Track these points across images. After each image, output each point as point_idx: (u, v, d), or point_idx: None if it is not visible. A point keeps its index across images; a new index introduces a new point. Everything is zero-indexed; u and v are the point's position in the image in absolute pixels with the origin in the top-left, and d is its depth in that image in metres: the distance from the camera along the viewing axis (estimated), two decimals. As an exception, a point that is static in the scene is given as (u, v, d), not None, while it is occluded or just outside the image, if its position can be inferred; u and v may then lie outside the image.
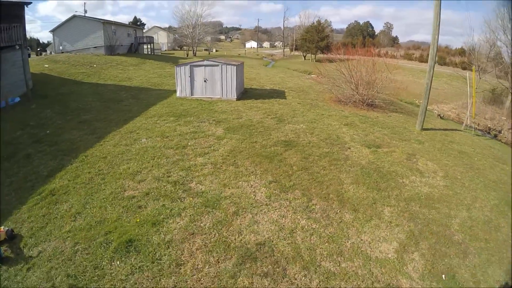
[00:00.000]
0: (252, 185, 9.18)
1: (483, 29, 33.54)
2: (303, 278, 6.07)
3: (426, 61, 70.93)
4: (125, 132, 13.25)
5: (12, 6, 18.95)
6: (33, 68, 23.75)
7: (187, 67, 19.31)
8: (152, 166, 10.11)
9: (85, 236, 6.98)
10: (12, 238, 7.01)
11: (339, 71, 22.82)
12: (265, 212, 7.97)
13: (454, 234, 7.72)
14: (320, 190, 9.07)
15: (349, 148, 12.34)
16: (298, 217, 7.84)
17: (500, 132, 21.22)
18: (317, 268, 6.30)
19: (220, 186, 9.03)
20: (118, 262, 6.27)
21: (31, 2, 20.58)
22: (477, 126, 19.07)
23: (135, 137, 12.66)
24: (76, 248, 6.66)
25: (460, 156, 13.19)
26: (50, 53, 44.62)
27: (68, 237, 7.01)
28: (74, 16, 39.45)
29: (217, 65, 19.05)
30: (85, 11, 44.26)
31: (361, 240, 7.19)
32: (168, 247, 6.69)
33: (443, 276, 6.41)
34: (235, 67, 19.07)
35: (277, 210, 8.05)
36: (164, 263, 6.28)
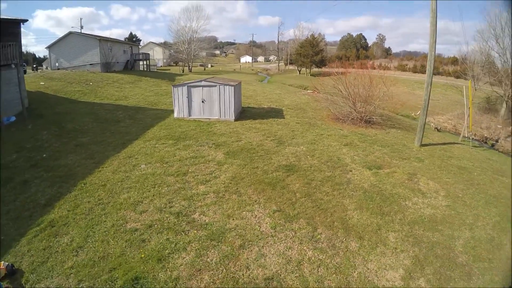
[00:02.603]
0: (256, 215, 9.07)
1: (476, 38, 33.90)
2: (313, 313, 5.91)
3: (420, 72, 72.13)
4: (124, 157, 13.09)
5: (8, 24, 18.80)
6: (28, 85, 23.56)
7: (185, 88, 19.25)
8: (153, 196, 9.97)
9: (89, 273, 6.79)
10: (13, 273, 6.80)
11: (336, 88, 22.83)
12: (271, 244, 7.87)
13: (458, 256, 7.73)
14: (325, 218, 9.00)
15: (351, 171, 12.30)
16: (305, 248, 7.75)
17: (497, 141, 21.22)
18: (326, 302, 6.18)
19: (224, 217, 8.90)
20: (124, 303, 6.08)
21: (27, 20, 20.54)
22: (473, 137, 19.14)
23: (134, 163, 12.51)
24: (80, 286, 6.48)
25: (459, 172, 13.24)
26: (46, 68, 44.53)
27: (71, 273, 6.82)
28: (70, 33, 39.53)
29: (215, 86, 19.03)
30: (81, 27, 44.80)
31: (368, 269, 7.15)
32: (176, 285, 6.53)
33: None
34: (233, 87, 19.05)
35: (283, 242, 7.95)
36: (171, 303, 6.09)
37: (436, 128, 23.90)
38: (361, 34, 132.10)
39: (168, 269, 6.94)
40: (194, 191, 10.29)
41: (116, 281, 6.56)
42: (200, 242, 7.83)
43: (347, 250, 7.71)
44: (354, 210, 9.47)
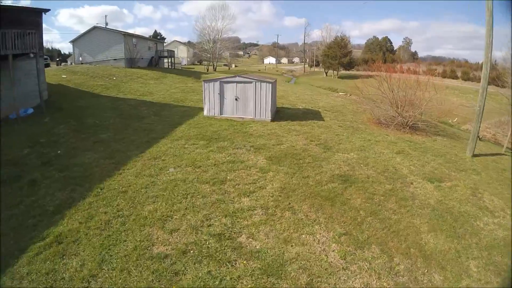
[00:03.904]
0: (319, 240, 7.20)
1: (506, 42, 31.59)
2: None
3: (450, 77, 69.19)
4: (148, 158, 11.24)
5: (28, 12, 18.01)
6: (50, 78, 22.62)
7: (217, 83, 17.36)
8: (185, 209, 7.97)
9: (102, 318, 4.83)
10: None
11: (380, 90, 20.86)
12: (344, 280, 6.14)
13: None
14: (399, 243, 7.43)
15: (412, 183, 10.74)
16: (385, 284, 6.15)
17: None
18: None
19: (279, 243, 6.91)
20: None
21: (49, 10, 19.43)
22: None
23: (160, 166, 10.62)
24: None
25: None
26: (71, 63, 43.93)
27: (80, 315, 4.88)
28: (94, 27, 38.74)
29: (251, 82, 17.06)
30: (106, 24, 43.39)
31: None
32: None
33: None
34: (270, 84, 17.07)
35: (358, 276, 6.25)
36: None
37: (478, 136, 21.75)
38: (387, 37, 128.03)
39: (213, 320, 4.90)
40: (237, 205, 8.27)
41: (140, 336, 4.58)
42: (254, 278, 5.85)
43: (431, 284, 6.34)
44: (428, 232, 8.03)
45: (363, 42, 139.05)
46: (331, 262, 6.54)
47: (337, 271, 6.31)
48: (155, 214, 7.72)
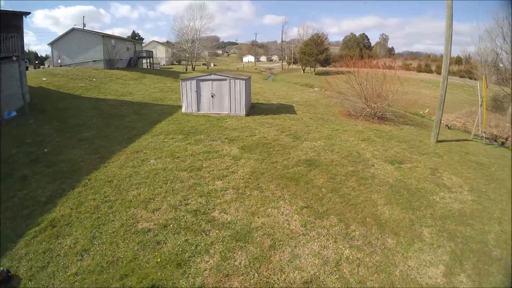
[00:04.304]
0: (283, 213, 8.21)
1: (483, 37, 33.60)
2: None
3: (424, 71, 70.94)
4: (131, 152, 12.14)
5: (10, 15, 18.12)
6: (30, 81, 22.86)
7: (193, 82, 18.31)
8: (166, 192, 8.99)
9: (96, 281, 5.82)
10: (8, 280, 5.90)
11: (349, 83, 22.16)
12: (304, 243, 7.10)
13: (492, 250, 7.41)
14: (356, 214, 8.34)
15: (373, 165, 11.73)
16: (340, 246, 7.08)
17: (506, 139, 20.85)
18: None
19: (248, 215, 7.98)
20: (140, 317, 5.13)
21: (30, 13, 19.72)
22: (484, 135, 18.88)
23: (142, 158, 11.55)
24: (86, 297, 5.48)
25: (478, 167, 12.88)
26: (48, 66, 43.73)
27: (76, 281, 5.86)
28: (73, 29, 38.72)
29: (225, 80, 18.08)
30: (84, 25, 43.35)
31: (409, 266, 6.63)
32: None
33: None
34: (243, 81, 18.12)
35: (317, 240, 7.21)
36: (198, 315, 5.18)
37: (447, 125, 23.53)
38: (364, 33, 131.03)
39: (190, 275, 5.98)
40: (211, 187, 9.34)
41: (130, 290, 5.59)
42: (224, 244, 6.89)
43: (384, 247, 7.14)
44: (384, 205, 8.89)
45: (341, 39, 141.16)
46: (293, 229, 7.55)
47: (298, 236, 7.31)
48: (138, 197, 8.70)
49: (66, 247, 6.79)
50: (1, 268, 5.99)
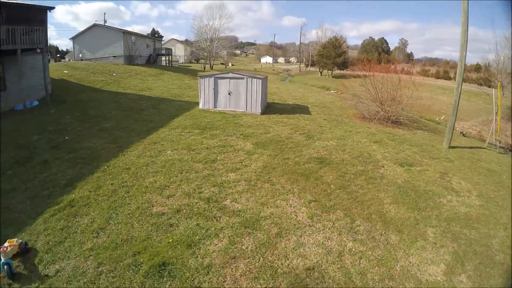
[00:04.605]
0: (291, 205, 8.48)
1: (502, 44, 32.95)
2: (359, 306, 5.45)
3: (443, 78, 69.71)
4: (149, 143, 12.54)
5: (35, 9, 18.87)
6: (52, 73, 23.50)
7: (211, 79, 18.70)
8: (180, 181, 9.33)
9: (110, 256, 6.16)
10: (26, 252, 6.28)
11: (364, 86, 22.24)
12: (309, 234, 7.34)
13: (496, 254, 7.43)
14: (362, 210, 8.55)
15: (383, 167, 11.86)
16: (344, 239, 7.29)
17: None
18: (371, 294, 5.75)
19: (257, 205, 8.28)
20: (150, 289, 5.42)
21: (54, 8, 20.48)
22: (499, 144, 18.58)
23: (159, 149, 11.94)
24: (100, 270, 5.85)
25: (489, 174, 12.84)
26: (69, 60, 44.88)
27: (90, 255, 6.22)
28: (94, 25, 39.76)
29: (243, 78, 18.41)
30: (105, 21, 44.33)
31: (410, 262, 6.78)
32: (208, 272, 5.91)
33: None
34: (260, 80, 18.41)
35: (322, 232, 7.45)
36: (204, 291, 5.46)
37: (462, 133, 23.27)
38: (383, 38, 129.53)
39: (199, 256, 6.28)
40: (224, 178, 9.65)
41: (141, 266, 5.92)
42: (234, 229, 7.20)
43: (387, 243, 7.32)
44: (391, 204, 9.06)
45: (360, 42, 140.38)
46: (299, 220, 7.81)
47: (304, 226, 7.57)
48: (154, 184, 9.06)
49: (83, 225, 7.18)
50: (20, 241, 6.34)
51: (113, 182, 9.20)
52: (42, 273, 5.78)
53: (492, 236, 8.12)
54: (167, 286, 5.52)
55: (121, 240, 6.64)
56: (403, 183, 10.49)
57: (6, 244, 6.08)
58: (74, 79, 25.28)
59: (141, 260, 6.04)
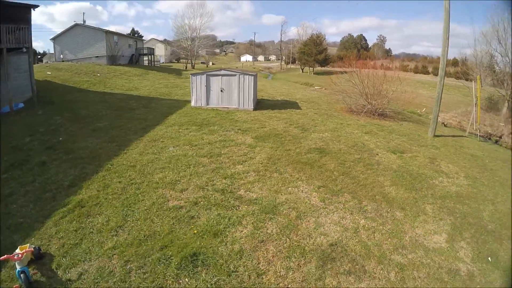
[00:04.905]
0: (303, 191, 9.00)
1: (479, 40, 34.32)
2: (381, 271, 6.19)
3: (421, 72, 71.54)
4: (148, 141, 12.44)
5: (19, 8, 18.20)
6: (35, 75, 22.43)
7: (204, 76, 18.69)
8: (190, 175, 9.35)
9: (136, 253, 6.08)
10: (39, 257, 5.90)
11: (352, 81, 22.96)
12: (325, 215, 7.93)
13: (487, 224, 8.41)
14: (366, 192, 9.27)
15: (377, 154, 12.68)
16: (356, 217, 7.94)
17: (500, 137, 21.63)
18: (390, 262, 6.49)
19: (271, 193, 8.66)
20: (187, 280, 5.48)
21: (38, 6, 19.78)
22: (478, 133, 19.85)
23: (161, 146, 11.88)
24: (128, 267, 5.75)
25: (473, 159, 14.12)
26: (47, 62, 43.65)
27: (114, 254, 6.06)
28: (76, 25, 38.77)
29: (235, 75, 18.50)
30: (84, 21, 43.22)
31: (416, 233, 7.58)
32: (241, 257, 6.10)
33: (489, 258, 7.02)
34: (252, 77, 18.62)
35: (335, 213, 8.07)
36: (242, 274, 5.70)
37: (443, 123, 24.33)
38: (362, 35, 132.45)
39: (227, 243, 6.43)
40: (233, 170, 9.79)
41: (172, 259, 5.92)
42: (255, 216, 7.49)
43: (394, 219, 8.05)
44: (390, 186, 9.85)
45: (340, 39, 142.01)
46: (313, 204, 8.33)
47: (319, 209, 8.11)
48: (165, 180, 9.03)
49: (98, 225, 6.98)
50: (33, 246, 5.96)
51: (120, 180, 9.08)
52: (63, 278, 5.50)
53: (482, 210, 9.15)
54: (203, 274, 5.58)
55: (144, 236, 6.58)
56: (398, 168, 11.35)
57: (17, 250, 5.67)
58: (59, 80, 24.75)
59: (170, 253, 6.05)
